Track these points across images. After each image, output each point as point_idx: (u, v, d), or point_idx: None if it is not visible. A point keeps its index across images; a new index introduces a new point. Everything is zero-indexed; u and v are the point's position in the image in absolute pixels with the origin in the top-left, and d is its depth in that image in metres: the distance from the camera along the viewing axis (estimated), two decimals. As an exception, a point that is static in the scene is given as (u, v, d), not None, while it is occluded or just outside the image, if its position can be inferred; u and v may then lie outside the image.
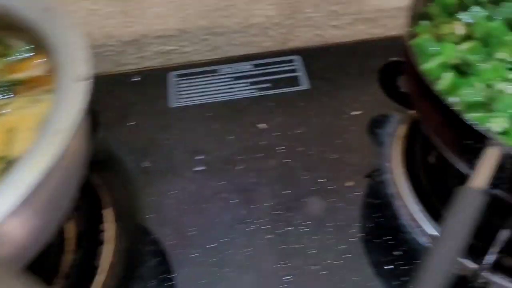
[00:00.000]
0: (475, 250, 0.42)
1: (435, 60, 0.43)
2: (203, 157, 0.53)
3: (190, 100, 0.59)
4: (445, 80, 0.42)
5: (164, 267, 0.45)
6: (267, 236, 0.46)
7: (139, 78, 0.61)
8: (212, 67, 0.63)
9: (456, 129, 0.36)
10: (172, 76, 0.62)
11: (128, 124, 0.56)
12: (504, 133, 0.39)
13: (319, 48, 0.66)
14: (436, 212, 0.46)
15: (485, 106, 0.41)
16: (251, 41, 0.71)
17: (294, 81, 0.60)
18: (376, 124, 0.55)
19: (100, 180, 0.50)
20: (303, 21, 0.70)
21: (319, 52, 0.65)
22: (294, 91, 0.59)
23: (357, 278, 0.43)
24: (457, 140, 0.36)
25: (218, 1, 0.65)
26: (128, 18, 0.64)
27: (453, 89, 0.42)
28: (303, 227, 0.47)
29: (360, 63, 0.63)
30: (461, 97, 0.40)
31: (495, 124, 0.40)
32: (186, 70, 0.62)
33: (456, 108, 0.35)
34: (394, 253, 0.45)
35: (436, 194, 0.48)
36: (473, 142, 0.34)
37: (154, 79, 0.62)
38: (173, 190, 0.50)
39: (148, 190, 0.50)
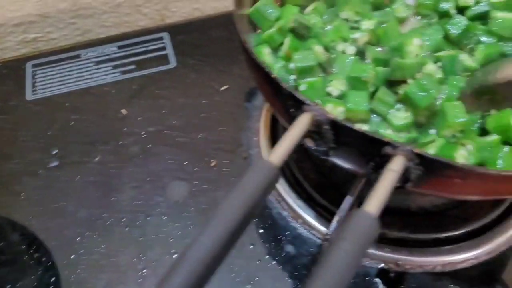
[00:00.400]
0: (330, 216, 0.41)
1: (275, 25, 0.41)
2: (57, 151, 0.49)
3: (49, 91, 0.54)
4: (285, 46, 0.40)
5: (11, 276, 0.41)
6: (126, 229, 0.44)
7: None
8: (74, 53, 0.58)
9: (280, 97, 0.33)
10: (29, 67, 0.57)
11: (-22, 124, 0.51)
12: (342, 96, 0.38)
13: (193, 23, 0.63)
14: (301, 187, 0.45)
15: (325, 69, 0.39)
16: (124, 21, 0.66)
17: (161, 60, 0.57)
18: (244, 98, 0.53)
19: None
20: (179, -5, 0.66)
21: (192, 27, 0.61)
22: (160, 71, 0.56)
23: (218, 262, 0.41)
24: (284, 108, 0.34)
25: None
26: (-25, 7, 0.58)
27: (293, 54, 0.40)
28: (163, 216, 0.44)
29: (234, 35, 0.60)
30: (294, 62, 0.38)
31: (333, 88, 0.38)
32: (45, 59, 0.57)
33: (273, 74, 0.32)
34: (259, 231, 0.43)
35: (300, 168, 0.46)
36: (294, 110, 0.32)
37: (9, 72, 0.56)
38: (25, 191, 0.46)
39: (-4, 194, 0.46)
